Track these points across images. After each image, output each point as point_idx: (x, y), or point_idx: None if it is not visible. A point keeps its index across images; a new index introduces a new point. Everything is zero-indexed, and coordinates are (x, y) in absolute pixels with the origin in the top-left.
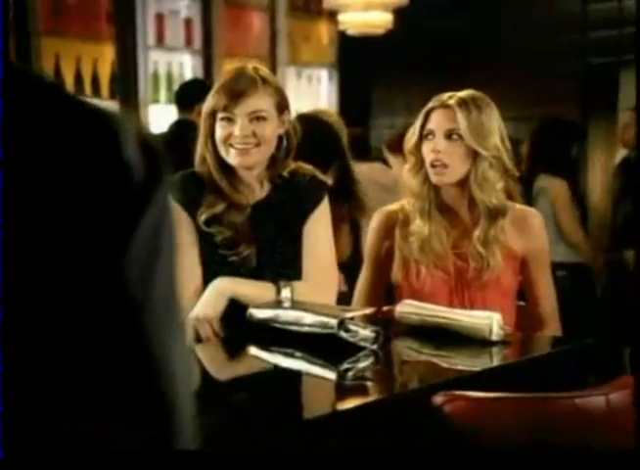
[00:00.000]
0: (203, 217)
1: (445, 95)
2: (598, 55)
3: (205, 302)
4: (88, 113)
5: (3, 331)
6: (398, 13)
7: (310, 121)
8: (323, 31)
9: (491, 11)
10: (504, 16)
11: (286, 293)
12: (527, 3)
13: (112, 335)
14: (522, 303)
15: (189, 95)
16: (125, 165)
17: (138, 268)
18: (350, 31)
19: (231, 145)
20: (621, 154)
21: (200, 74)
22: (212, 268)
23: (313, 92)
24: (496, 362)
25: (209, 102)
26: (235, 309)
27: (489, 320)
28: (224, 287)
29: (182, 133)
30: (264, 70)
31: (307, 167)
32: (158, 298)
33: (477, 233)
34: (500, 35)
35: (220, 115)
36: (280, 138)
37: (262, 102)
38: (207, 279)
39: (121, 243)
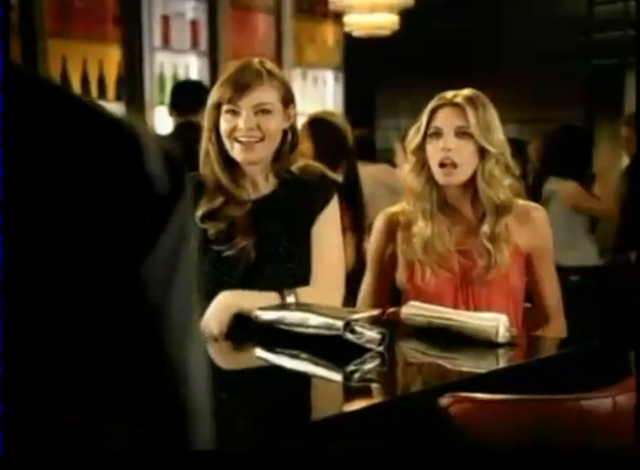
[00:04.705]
0: (199, 212)
1: (449, 93)
2: (602, 56)
3: (209, 318)
4: (112, 124)
5: (17, 331)
6: (402, 14)
7: (318, 123)
8: (328, 33)
9: (496, 12)
10: (508, 17)
11: (290, 300)
12: (533, 4)
13: (130, 339)
14: (528, 304)
15: (188, 98)
16: (149, 178)
17: (158, 274)
18: (356, 33)
19: (236, 139)
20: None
21: (205, 76)
22: (209, 267)
23: (319, 93)
24: (502, 364)
25: (214, 94)
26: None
27: (496, 322)
28: (229, 302)
29: (182, 137)
30: (270, 64)
31: (317, 165)
32: (176, 307)
33: (484, 229)
34: (505, 37)
35: (225, 107)
36: (285, 132)
37: (268, 95)
38: (204, 280)
39: (143, 251)
